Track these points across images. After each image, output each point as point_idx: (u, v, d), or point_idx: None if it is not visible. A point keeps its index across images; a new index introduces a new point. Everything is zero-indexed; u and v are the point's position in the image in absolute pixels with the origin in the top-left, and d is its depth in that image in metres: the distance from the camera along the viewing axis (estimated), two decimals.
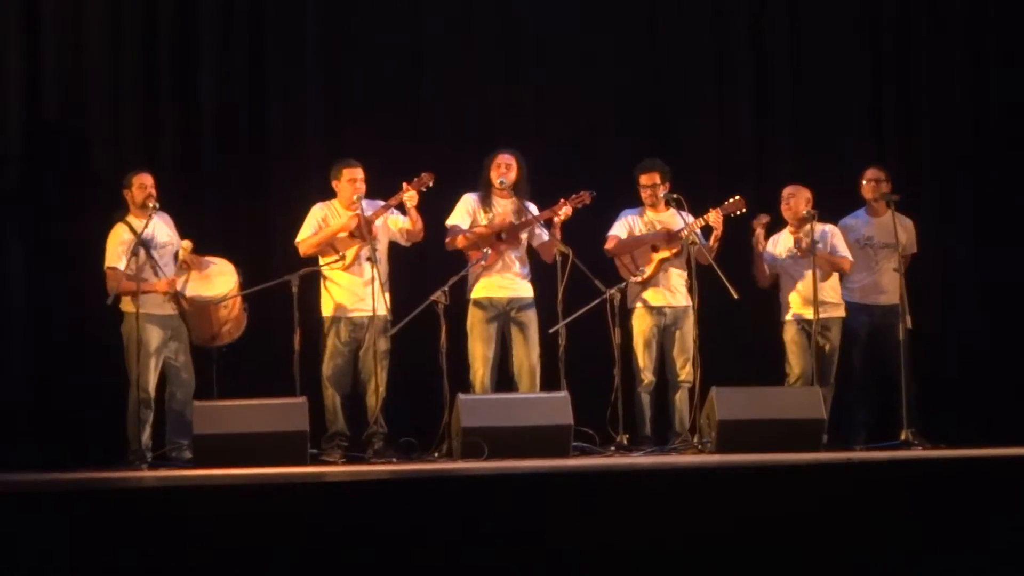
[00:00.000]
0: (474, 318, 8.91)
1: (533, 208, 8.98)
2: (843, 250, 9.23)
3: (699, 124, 10.29)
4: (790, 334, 9.22)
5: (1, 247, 9.17)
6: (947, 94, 10.37)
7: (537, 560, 5.15)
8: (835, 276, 9.20)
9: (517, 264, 8.97)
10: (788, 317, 9.23)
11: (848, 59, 10.40)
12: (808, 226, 9.03)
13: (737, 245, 9.25)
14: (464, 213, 8.99)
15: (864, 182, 9.38)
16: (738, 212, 9.05)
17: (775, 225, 9.32)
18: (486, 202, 9.00)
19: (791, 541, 5.39)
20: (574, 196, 8.88)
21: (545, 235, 8.97)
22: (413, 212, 8.76)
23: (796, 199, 9.19)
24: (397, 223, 8.88)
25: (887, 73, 10.42)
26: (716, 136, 10.32)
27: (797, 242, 9.12)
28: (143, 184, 8.66)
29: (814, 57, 10.40)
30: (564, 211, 8.83)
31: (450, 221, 8.99)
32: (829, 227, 9.26)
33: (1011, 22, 10.39)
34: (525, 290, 8.96)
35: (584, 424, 8.53)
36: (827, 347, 9.08)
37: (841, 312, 9.21)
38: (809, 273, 8.99)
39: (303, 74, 9.82)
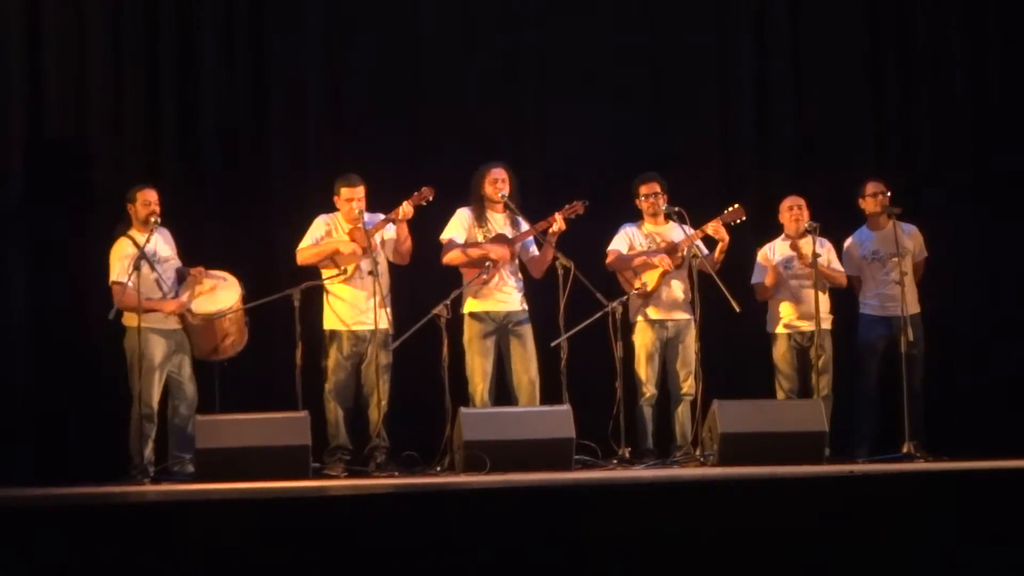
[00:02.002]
0: (471, 332, 8.90)
1: (524, 224, 8.97)
2: (839, 265, 9.24)
3: (699, 137, 10.29)
4: (780, 350, 9.22)
5: (3, 262, 9.17)
6: (948, 104, 10.37)
7: (539, 573, 5.14)
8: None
9: (511, 278, 8.96)
10: (779, 330, 9.23)
11: (849, 69, 10.40)
12: (809, 237, 9.04)
13: (737, 258, 9.25)
14: (459, 228, 8.99)
15: (865, 196, 9.37)
16: (738, 221, 9.04)
17: (771, 234, 9.34)
18: (480, 217, 9.00)
19: (793, 554, 5.38)
20: (567, 207, 8.87)
21: (535, 250, 8.98)
22: (403, 228, 8.75)
23: (804, 211, 9.19)
24: (387, 234, 8.88)
25: (888, 83, 10.43)
26: (716, 148, 10.33)
27: (795, 248, 9.11)
28: (147, 200, 8.67)
29: (815, 67, 10.41)
30: (557, 223, 8.83)
31: (445, 236, 8.98)
32: (826, 242, 9.26)
33: (1012, 27, 10.40)
34: (520, 304, 8.95)
35: (586, 437, 8.53)
36: (822, 360, 9.07)
37: (829, 324, 9.18)
38: (804, 286, 9.05)
39: (304, 88, 9.84)
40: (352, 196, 8.81)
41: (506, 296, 8.93)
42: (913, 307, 9.14)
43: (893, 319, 9.19)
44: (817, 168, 10.13)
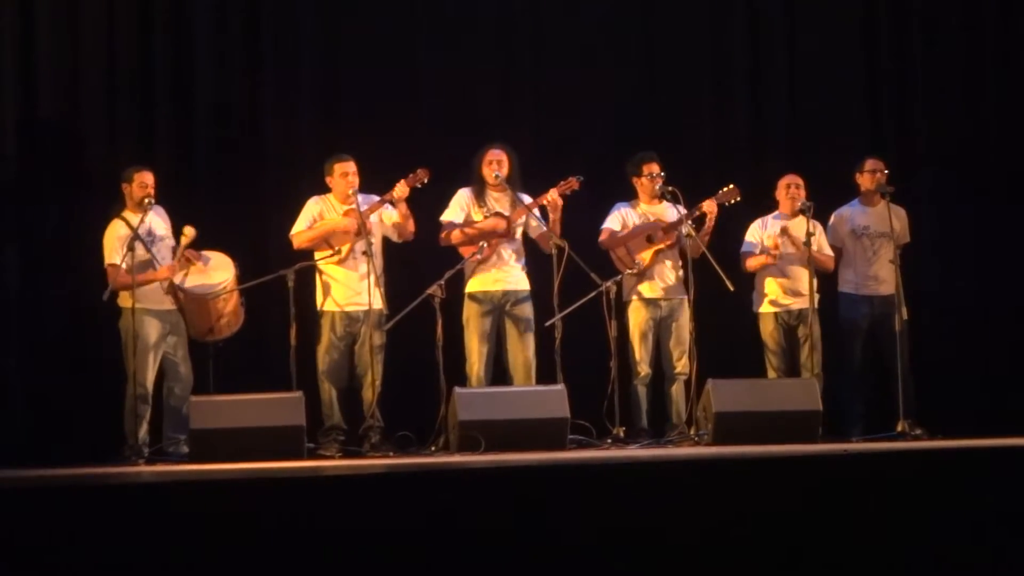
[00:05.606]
0: (470, 312, 8.91)
1: (527, 200, 8.98)
2: (827, 248, 9.25)
3: (694, 116, 10.28)
4: (768, 329, 9.22)
5: None
6: (944, 84, 10.37)
7: (534, 553, 5.15)
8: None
9: (512, 258, 8.97)
10: (765, 308, 9.22)
11: (844, 49, 10.40)
12: (805, 221, 9.03)
13: (731, 237, 9.26)
14: (458, 209, 8.99)
15: (863, 172, 9.38)
16: (732, 201, 9.06)
17: (762, 210, 9.34)
18: (480, 197, 9.00)
19: (788, 533, 5.39)
20: (562, 183, 8.89)
21: (542, 226, 8.98)
22: (403, 207, 8.76)
23: (801, 190, 9.19)
24: (391, 218, 8.89)
25: (883, 63, 10.42)
26: (711, 127, 10.32)
27: (786, 233, 9.13)
28: (144, 183, 8.66)
29: (810, 46, 10.39)
30: (552, 198, 8.81)
31: (444, 217, 8.99)
32: (818, 225, 9.25)
33: (1007, 11, 10.40)
34: (521, 283, 8.96)
35: (581, 417, 8.54)
36: (811, 338, 9.06)
37: (815, 303, 9.16)
38: (792, 265, 9.07)
39: (298, 69, 9.82)
40: (347, 170, 8.81)
41: (505, 275, 8.93)
42: (894, 287, 9.13)
43: (875, 298, 9.25)
44: (810, 148, 10.13)
